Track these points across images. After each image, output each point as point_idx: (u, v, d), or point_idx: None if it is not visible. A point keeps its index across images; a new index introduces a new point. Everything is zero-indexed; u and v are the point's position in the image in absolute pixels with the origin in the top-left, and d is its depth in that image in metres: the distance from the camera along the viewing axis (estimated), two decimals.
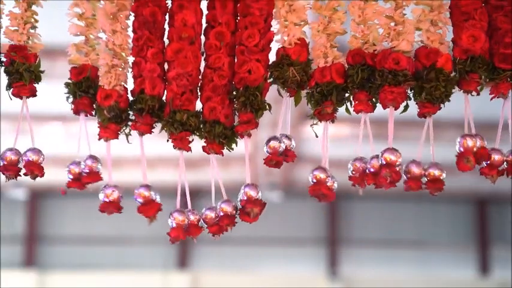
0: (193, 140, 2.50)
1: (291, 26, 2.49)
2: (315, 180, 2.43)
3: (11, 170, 2.47)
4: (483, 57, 2.42)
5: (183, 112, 2.47)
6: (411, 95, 2.45)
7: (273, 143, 2.44)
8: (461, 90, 2.45)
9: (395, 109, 2.43)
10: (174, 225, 2.50)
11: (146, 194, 2.49)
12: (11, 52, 2.49)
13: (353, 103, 2.46)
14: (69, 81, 2.54)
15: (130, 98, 2.53)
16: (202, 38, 2.55)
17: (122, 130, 2.52)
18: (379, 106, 2.47)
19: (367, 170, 2.40)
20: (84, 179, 2.49)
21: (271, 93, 2.53)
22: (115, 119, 2.49)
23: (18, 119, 2.50)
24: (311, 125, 2.50)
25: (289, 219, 11.00)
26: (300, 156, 10.23)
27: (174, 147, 2.51)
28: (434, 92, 2.41)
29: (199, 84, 2.52)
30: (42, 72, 2.53)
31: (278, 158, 2.45)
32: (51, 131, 8.37)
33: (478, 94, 2.46)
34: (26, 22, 2.53)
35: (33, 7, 2.55)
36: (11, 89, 2.51)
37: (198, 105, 2.53)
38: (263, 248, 10.96)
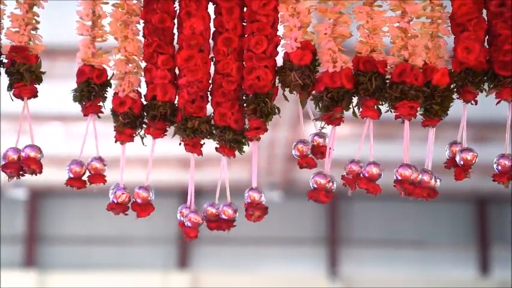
0: (204, 143, 2.56)
1: (294, 30, 2.49)
2: (315, 186, 2.47)
3: (12, 167, 2.47)
4: (475, 69, 2.43)
5: (194, 119, 2.52)
6: None
7: (300, 146, 2.51)
8: (460, 100, 2.49)
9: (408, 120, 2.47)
10: (190, 224, 2.53)
11: (145, 195, 2.53)
12: (12, 52, 2.49)
13: (360, 108, 2.47)
14: (91, 81, 2.55)
15: (144, 102, 2.58)
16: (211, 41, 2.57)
17: (136, 133, 2.57)
18: (381, 108, 2.49)
19: (361, 174, 2.45)
20: (90, 179, 2.53)
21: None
22: (130, 124, 2.55)
23: (19, 119, 2.50)
24: (319, 129, 2.52)
25: (289, 219, 11.01)
26: None
27: (187, 151, 2.56)
28: (430, 109, 2.45)
29: (209, 89, 2.57)
30: (43, 73, 2.54)
31: (307, 160, 2.50)
32: (51, 131, 8.38)
33: (476, 103, 2.48)
34: (27, 23, 2.53)
35: (35, 8, 2.55)
36: (12, 90, 2.51)
37: (209, 108, 2.57)
38: (263, 247, 10.97)
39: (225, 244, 10.78)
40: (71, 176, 2.51)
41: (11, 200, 10.82)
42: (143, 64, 2.58)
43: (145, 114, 2.57)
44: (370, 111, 2.45)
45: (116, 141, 2.57)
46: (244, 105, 2.53)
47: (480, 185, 9.93)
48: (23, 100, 2.52)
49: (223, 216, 2.54)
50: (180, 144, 2.56)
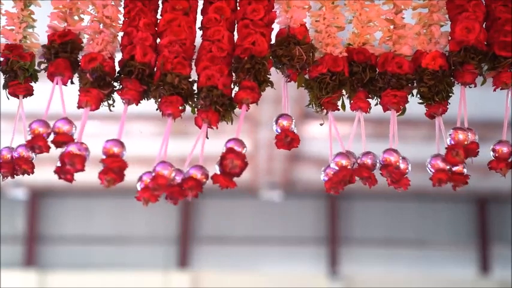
0: (184, 108, 2.32)
1: (294, 9, 2.45)
2: (339, 167, 2.30)
3: (6, 167, 2.42)
4: (476, 47, 2.40)
5: (174, 75, 2.30)
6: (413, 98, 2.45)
7: (283, 120, 2.31)
8: (458, 83, 2.44)
9: (396, 112, 2.42)
10: (154, 174, 2.18)
11: (115, 150, 2.18)
12: (6, 50, 2.47)
13: (351, 100, 2.44)
14: (53, 42, 2.39)
15: (118, 72, 2.37)
16: (198, 28, 2.49)
17: (104, 99, 2.34)
18: (378, 106, 2.47)
19: (355, 165, 2.36)
20: (55, 140, 2.25)
21: (272, 94, 2.50)
22: (98, 82, 2.31)
23: (15, 118, 2.48)
24: (317, 111, 2.44)
25: (290, 218, 11.00)
26: (300, 156, 10.18)
27: (164, 113, 2.30)
28: (421, 92, 2.41)
29: (194, 57, 2.39)
30: (39, 71, 2.50)
31: (292, 134, 2.29)
32: None
33: (475, 85, 2.44)
34: (22, 21, 2.51)
35: (32, 7, 2.53)
36: (8, 88, 2.48)
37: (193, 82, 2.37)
38: (263, 247, 10.96)
39: (225, 244, 10.78)
40: (32, 136, 2.26)
41: (11, 200, 10.81)
42: (121, 35, 2.42)
43: (119, 76, 2.34)
44: (361, 102, 2.43)
45: (79, 106, 2.33)
46: (235, 72, 2.34)
47: (480, 184, 9.93)
48: (18, 98, 2.49)
49: (188, 176, 2.17)
50: (157, 109, 2.32)
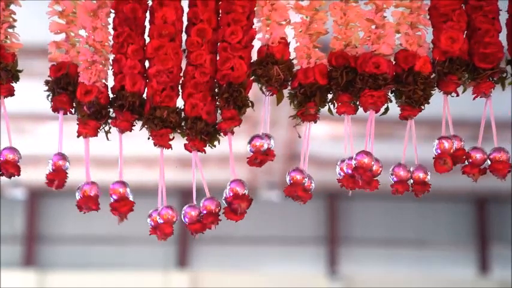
0: (173, 137, 2.48)
1: (273, 25, 2.47)
2: (292, 181, 2.42)
3: None
4: (461, 58, 2.41)
5: (163, 109, 2.44)
6: (393, 97, 2.46)
7: (256, 141, 2.43)
8: (441, 92, 2.46)
9: (376, 112, 2.44)
10: (162, 221, 2.47)
11: (121, 190, 2.46)
12: None
13: (336, 105, 2.46)
14: (49, 78, 2.52)
15: (111, 96, 2.50)
16: (184, 36, 2.53)
17: (101, 127, 2.49)
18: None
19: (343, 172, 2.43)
20: (49, 176, 2.45)
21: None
22: (95, 115, 2.46)
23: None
24: (294, 126, 2.50)
25: (289, 218, 11.00)
26: (299, 156, 10.16)
27: (155, 144, 2.48)
28: (413, 96, 2.42)
29: (180, 82, 2.50)
30: (20, 71, 2.53)
31: (262, 156, 2.43)
32: (51, 131, 8.37)
33: (458, 95, 2.46)
34: (4, 21, 2.52)
35: (12, 6, 2.54)
36: None
37: (180, 103, 2.51)
38: (263, 247, 10.96)
39: (224, 244, 10.78)
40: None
41: (11, 200, 10.81)
42: (112, 58, 2.51)
43: (111, 109, 2.48)
44: (345, 106, 2.44)
45: (78, 136, 2.49)
46: (217, 97, 2.47)
47: (480, 184, 9.91)
48: None
49: (205, 211, 2.43)
50: (148, 138, 2.49)
